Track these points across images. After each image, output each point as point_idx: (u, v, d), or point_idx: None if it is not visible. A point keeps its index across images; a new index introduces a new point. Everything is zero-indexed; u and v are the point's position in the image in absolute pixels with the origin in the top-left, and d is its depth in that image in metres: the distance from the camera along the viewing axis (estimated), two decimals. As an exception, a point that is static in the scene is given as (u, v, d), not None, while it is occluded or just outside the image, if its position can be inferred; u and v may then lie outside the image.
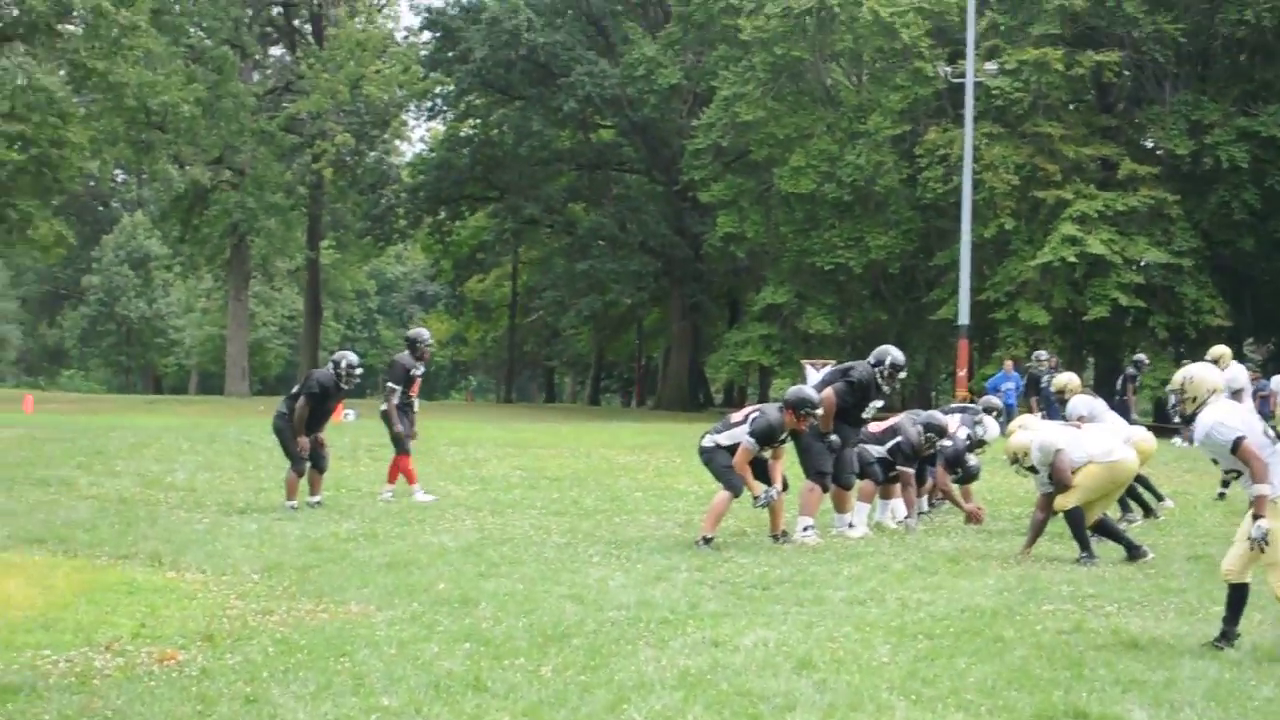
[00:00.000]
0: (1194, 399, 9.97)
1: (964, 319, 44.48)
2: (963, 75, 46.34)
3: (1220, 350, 22.47)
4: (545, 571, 12.28)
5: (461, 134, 68.82)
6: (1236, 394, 21.37)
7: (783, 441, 14.66)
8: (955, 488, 17.00)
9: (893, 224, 52.77)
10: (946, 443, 16.87)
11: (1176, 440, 36.36)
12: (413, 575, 11.89)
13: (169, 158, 61.30)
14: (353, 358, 17.86)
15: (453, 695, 7.78)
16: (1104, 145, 50.93)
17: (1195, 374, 10.15)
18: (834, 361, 44.23)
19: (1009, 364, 37.41)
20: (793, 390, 15.08)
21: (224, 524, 15.29)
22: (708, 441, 14.64)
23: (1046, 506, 13.85)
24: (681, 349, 66.61)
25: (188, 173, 62.00)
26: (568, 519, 16.39)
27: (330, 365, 17.81)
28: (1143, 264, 48.30)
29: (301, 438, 17.15)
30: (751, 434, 14.32)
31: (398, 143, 77.03)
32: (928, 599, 11.17)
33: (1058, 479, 13.59)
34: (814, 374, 41.44)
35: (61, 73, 54.87)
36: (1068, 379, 19.04)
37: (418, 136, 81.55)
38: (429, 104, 70.58)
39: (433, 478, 20.89)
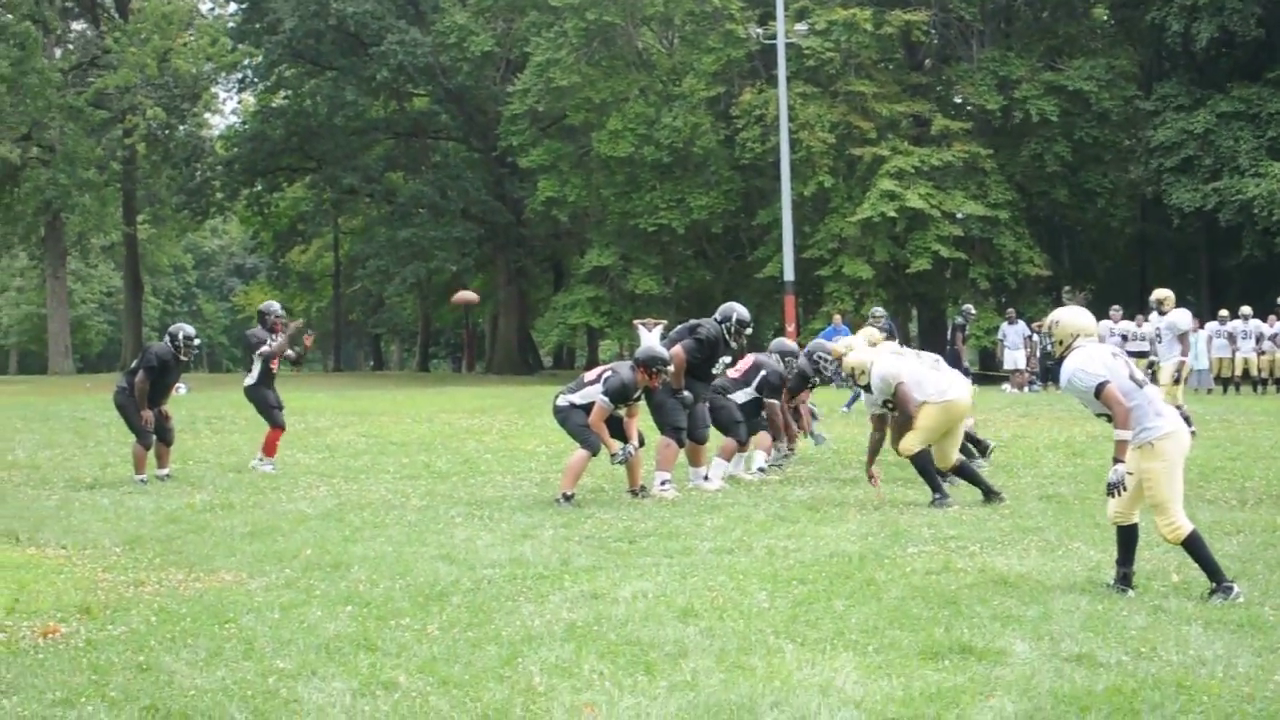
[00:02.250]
0: (1060, 342, 9.98)
1: (789, 275, 44.96)
2: (774, 36, 46.80)
3: (1163, 293, 22.65)
4: (411, 534, 12.28)
5: (274, 105, 67.92)
6: (1182, 336, 21.71)
7: (636, 399, 14.76)
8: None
9: (713, 184, 53.09)
10: (801, 361, 17.31)
11: (1005, 387, 37.16)
12: (277, 542, 11.83)
13: (-26, 136, 59.90)
14: (189, 330, 17.65)
15: (344, 656, 7.78)
16: (916, 102, 51.74)
17: (1063, 317, 10.13)
18: (664, 322, 44.69)
19: (837, 318, 37.83)
20: (643, 348, 15.19)
21: (75, 499, 15.07)
22: (562, 401, 14.69)
23: (880, 426, 14.36)
24: (509, 313, 66.49)
25: (-6, 151, 60.60)
26: (423, 482, 16.38)
27: (167, 338, 17.58)
28: (960, 217, 49.12)
29: (145, 411, 16.95)
30: (605, 393, 14.40)
31: (209, 115, 75.82)
32: (794, 546, 11.33)
33: (903, 410, 13.93)
34: (646, 334, 41.69)
35: None
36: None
37: (230, 109, 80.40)
38: (239, 76, 69.65)
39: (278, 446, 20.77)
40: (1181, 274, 58.45)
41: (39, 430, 24.76)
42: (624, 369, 14.75)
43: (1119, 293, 53.31)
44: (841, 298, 48.05)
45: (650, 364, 14.57)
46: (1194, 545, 9.36)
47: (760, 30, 50.15)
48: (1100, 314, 39.69)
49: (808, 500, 14.10)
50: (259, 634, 8.33)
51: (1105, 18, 56.86)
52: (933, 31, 54.06)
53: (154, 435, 17.16)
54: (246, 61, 66.85)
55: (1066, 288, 61.12)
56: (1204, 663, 7.51)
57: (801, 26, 48.91)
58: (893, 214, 47.55)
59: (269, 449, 18.52)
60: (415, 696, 6.94)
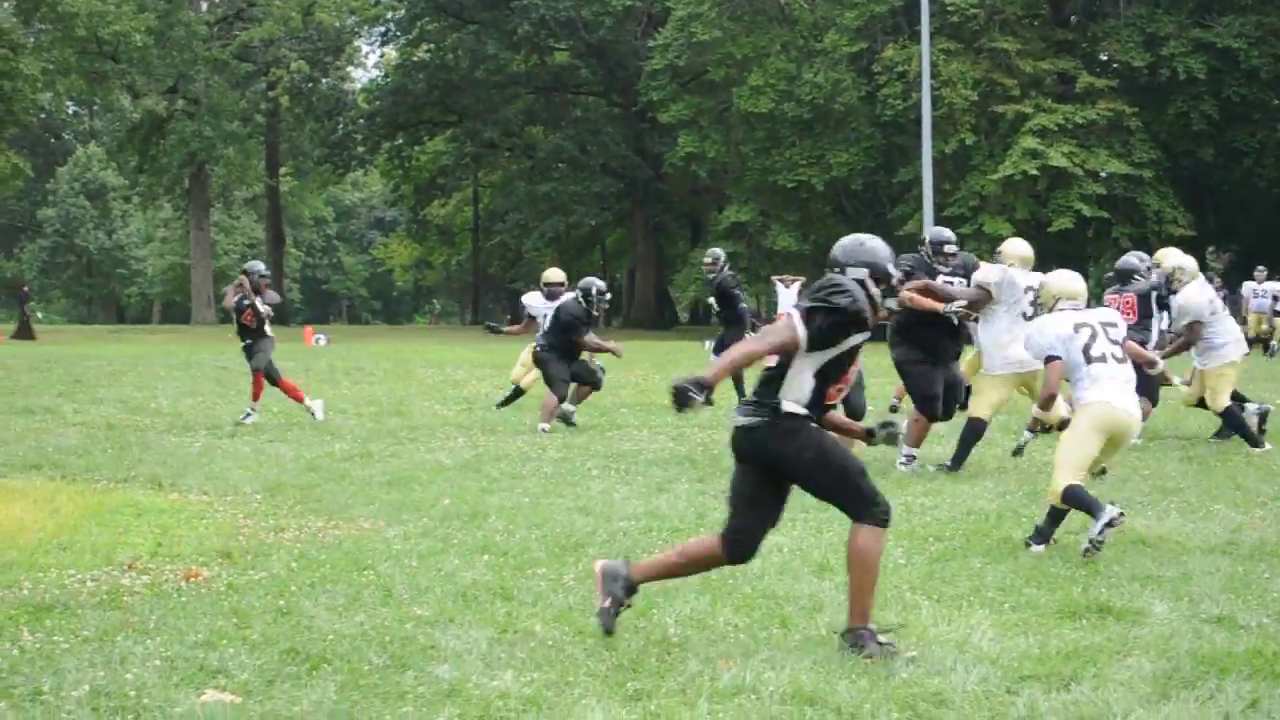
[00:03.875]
0: (1044, 304, 10.26)
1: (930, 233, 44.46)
2: (922, -9, 46.30)
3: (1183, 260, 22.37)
4: (548, 486, 12.36)
5: (416, 59, 68.42)
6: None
7: None
8: None
9: (853, 141, 52.87)
10: None
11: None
12: (415, 492, 11.95)
13: (122, 88, 60.79)
14: (600, 284, 17.84)
15: (481, 604, 7.85)
16: (1060, 59, 51.16)
17: (1049, 280, 10.39)
18: (802, 279, 44.53)
19: (979, 275, 37.44)
20: None
21: (217, 447, 15.32)
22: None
23: None
24: (646, 268, 66.68)
25: (142, 103, 61.51)
26: (560, 435, 16.47)
27: (579, 293, 17.61)
28: (1104, 175, 48.52)
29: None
30: None
31: (352, 69, 76.56)
32: (931, 504, 11.29)
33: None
34: (784, 291, 41.55)
35: (8, 4, 54.29)
36: None
37: (372, 63, 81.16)
38: (382, 29, 70.20)
39: (415, 398, 20.99)
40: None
41: (181, 379, 25.20)
42: None
43: (1264, 254, 52.40)
44: (981, 256, 47.52)
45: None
46: (1072, 498, 9.43)
47: (911, -14, 49.82)
48: (1247, 275, 39.14)
49: (945, 457, 14.00)
50: (397, 581, 8.42)
51: (1259, -27, 55.76)
52: (1081, -14, 53.40)
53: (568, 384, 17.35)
54: (389, 15, 67.44)
55: (1211, 248, 60.22)
56: (1348, 626, 7.41)
57: (952, -19, 48.54)
58: (1034, 172, 47.13)
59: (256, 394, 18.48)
60: (551, 646, 6.98)
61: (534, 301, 18.48)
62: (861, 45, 52.41)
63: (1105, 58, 54.13)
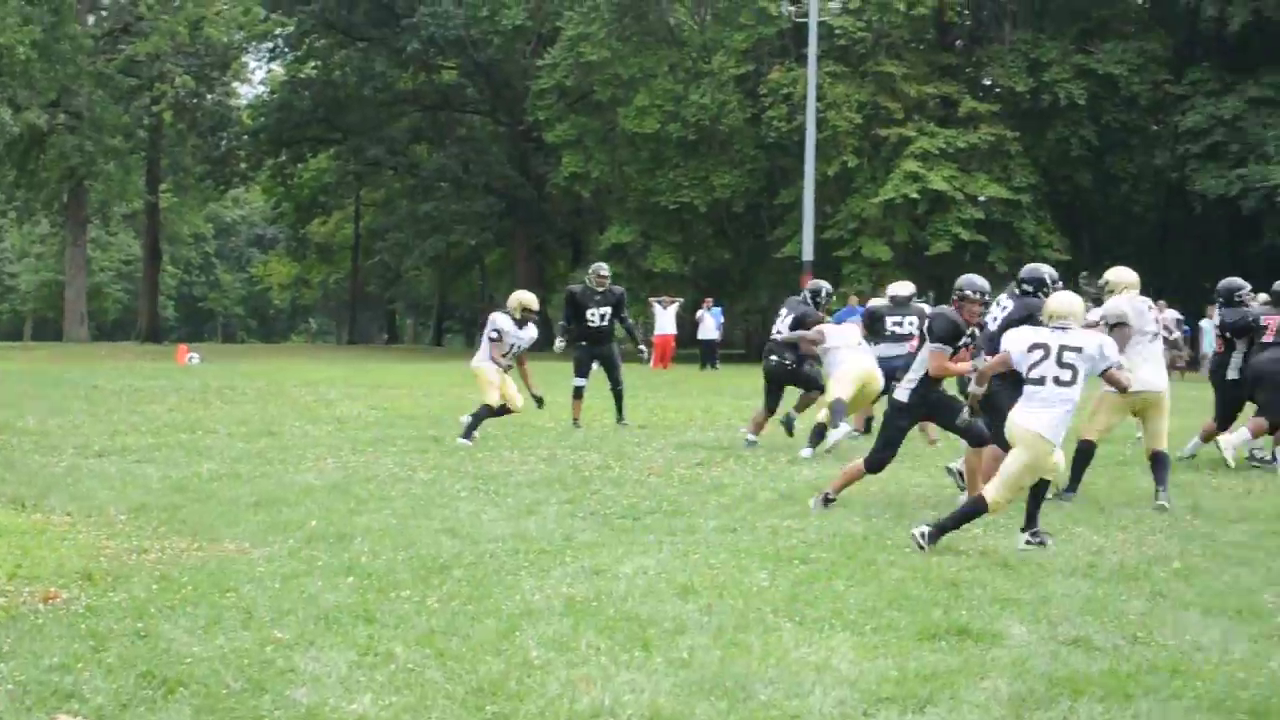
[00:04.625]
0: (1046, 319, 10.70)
1: (808, 255, 44.98)
2: (806, 15, 46.73)
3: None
4: (416, 507, 12.28)
5: (302, 76, 68.11)
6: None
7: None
8: None
9: (737, 163, 53.18)
10: None
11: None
12: (282, 513, 11.83)
13: (3, 100, 59.97)
14: (827, 286, 18.63)
15: (343, 627, 7.79)
16: (945, 83, 51.75)
17: (1049, 300, 10.80)
18: (680, 300, 44.72)
19: (854, 299, 37.78)
20: None
21: (83, 466, 15.08)
22: None
23: None
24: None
25: (23, 116, 60.62)
26: (430, 456, 16.37)
27: (807, 295, 18.27)
28: (982, 200, 49.07)
29: None
30: None
31: (237, 85, 75.98)
32: (798, 526, 11.34)
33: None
34: (662, 311, 41.69)
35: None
36: None
37: (258, 79, 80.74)
38: (269, 45, 69.76)
39: (287, 418, 20.84)
40: (1202, 261, 58.22)
41: (51, 396, 24.84)
42: None
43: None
44: (859, 279, 48.07)
45: None
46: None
47: (793, 8, 50.16)
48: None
49: (815, 481, 14.08)
50: (259, 603, 8.33)
51: (1140, 1, 56.77)
52: (966, 12, 54.03)
53: None
54: (278, 31, 66.93)
55: (1084, 273, 60.89)
56: (1200, 648, 7.53)
57: (834, 5, 48.96)
58: (915, 195, 47.65)
59: None
60: (411, 669, 6.94)
61: (507, 327, 18.42)
62: (748, 67, 52.77)
63: (989, 82, 54.86)
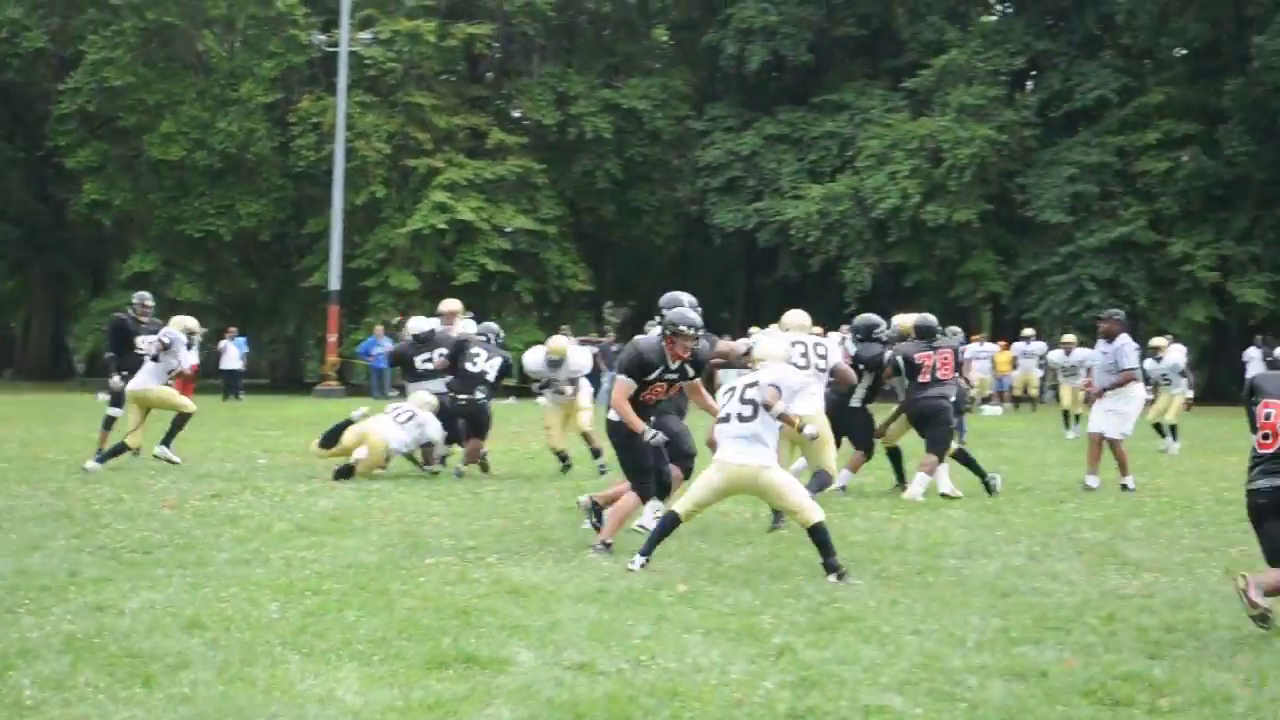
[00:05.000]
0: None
1: (335, 285, 44.89)
2: (336, 44, 46.61)
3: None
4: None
5: None
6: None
7: None
8: None
9: (264, 191, 52.62)
10: None
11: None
12: None
13: None
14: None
15: None
16: (474, 115, 52.30)
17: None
18: (204, 330, 43.88)
19: (379, 329, 37.82)
20: None
21: None
22: None
23: None
24: (42, 318, 64.33)
25: None
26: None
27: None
28: (509, 230, 49.72)
29: None
30: None
31: None
32: (312, 557, 11.23)
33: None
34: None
35: None
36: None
37: None
38: None
39: None
40: (721, 292, 60.23)
41: None
42: None
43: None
44: (386, 309, 48.10)
45: None
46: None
47: (323, 37, 49.92)
48: (639, 328, 40.68)
49: (332, 511, 14.01)
50: None
51: (665, 38, 58.47)
52: (496, 45, 54.61)
53: None
54: None
55: (609, 303, 62.46)
56: (700, 669, 7.69)
57: (365, 35, 48.89)
58: (443, 226, 47.98)
59: None
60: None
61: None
62: (278, 95, 52.28)
63: (518, 114, 55.57)
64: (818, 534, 10.56)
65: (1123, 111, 50.40)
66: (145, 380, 18.27)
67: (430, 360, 18.50)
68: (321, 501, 14.89)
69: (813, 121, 52.11)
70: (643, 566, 10.66)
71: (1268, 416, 9.17)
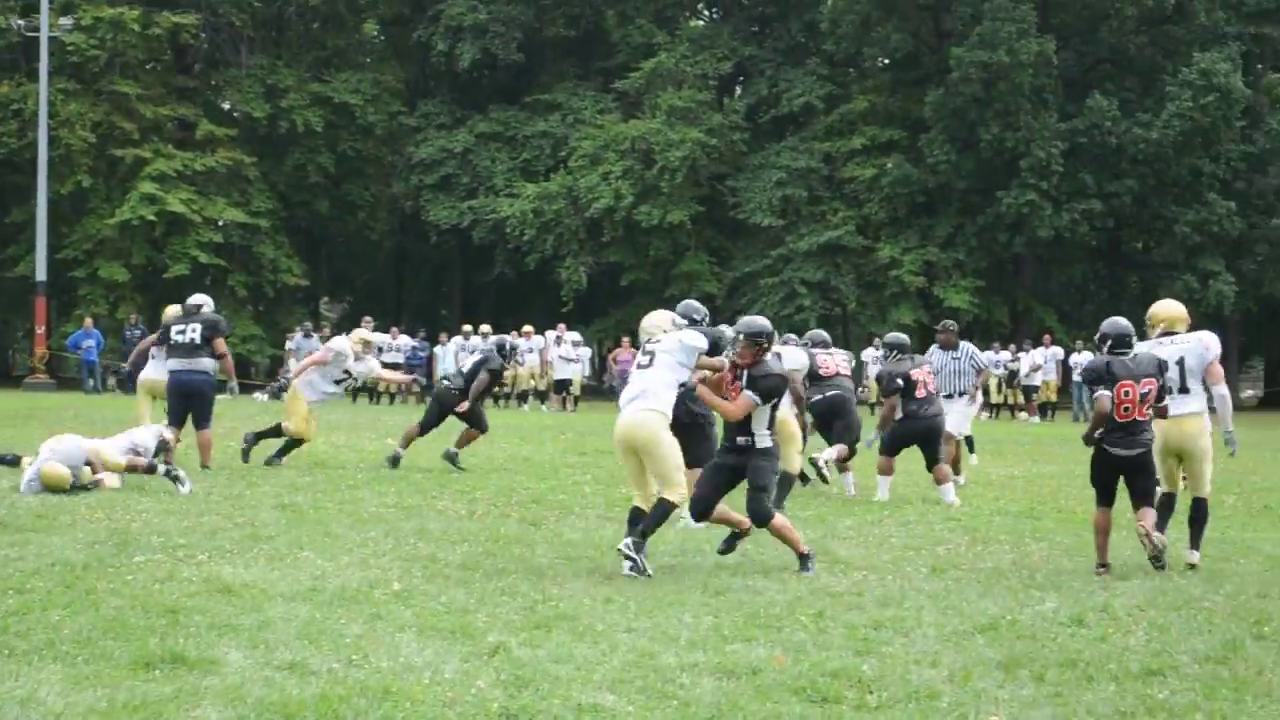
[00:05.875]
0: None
1: (41, 276, 43.88)
2: (37, 29, 45.52)
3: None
4: None
5: None
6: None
7: None
8: None
9: (-37, 180, 50.98)
10: None
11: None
12: None
13: None
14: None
15: None
16: (183, 106, 51.46)
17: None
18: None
19: (89, 321, 37.00)
20: None
21: None
22: None
23: None
24: None
25: None
26: None
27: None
28: (221, 223, 49.07)
29: None
30: None
31: None
32: (17, 555, 10.96)
33: None
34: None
35: None
36: None
37: None
38: None
39: None
40: (437, 289, 60.18)
41: None
42: None
43: (375, 305, 54.55)
44: (96, 300, 47.09)
45: None
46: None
47: (23, 22, 48.55)
48: (356, 323, 40.51)
49: (38, 508, 13.67)
50: None
51: (375, 33, 58.15)
52: (203, 35, 53.70)
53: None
54: None
55: (325, 298, 61.93)
56: (412, 669, 7.71)
57: (66, 21, 47.69)
58: (152, 217, 47.08)
59: None
60: None
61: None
62: (-22, 81, 50.75)
63: (228, 106, 54.75)
64: (661, 506, 11.07)
65: (828, 118, 51.59)
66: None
67: (184, 332, 18.02)
68: (27, 498, 14.52)
69: (525, 120, 52.33)
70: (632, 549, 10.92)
71: (1126, 394, 11.18)
